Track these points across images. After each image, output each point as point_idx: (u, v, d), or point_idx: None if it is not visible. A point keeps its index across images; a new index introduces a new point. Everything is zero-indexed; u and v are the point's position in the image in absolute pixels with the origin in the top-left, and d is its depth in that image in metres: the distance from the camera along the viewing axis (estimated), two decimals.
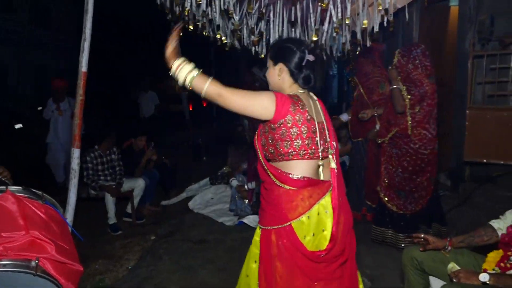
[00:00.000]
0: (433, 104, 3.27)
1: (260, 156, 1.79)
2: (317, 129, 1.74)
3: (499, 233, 1.97)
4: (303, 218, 1.67)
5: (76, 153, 3.10)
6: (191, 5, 3.68)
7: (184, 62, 1.67)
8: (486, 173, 3.95)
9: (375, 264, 3.16)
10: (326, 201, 1.71)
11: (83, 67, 3.04)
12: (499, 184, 3.77)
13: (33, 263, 1.61)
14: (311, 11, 3.82)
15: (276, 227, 1.70)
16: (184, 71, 1.65)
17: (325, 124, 1.82)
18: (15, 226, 1.66)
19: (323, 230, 1.70)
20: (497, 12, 3.96)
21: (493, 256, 1.83)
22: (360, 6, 3.53)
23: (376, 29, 3.65)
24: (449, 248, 2.02)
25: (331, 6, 3.45)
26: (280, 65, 1.81)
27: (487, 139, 3.72)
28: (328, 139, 1.81)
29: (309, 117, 1.72)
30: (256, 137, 1.83)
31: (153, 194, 4.95)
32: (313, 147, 1.73)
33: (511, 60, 3.65)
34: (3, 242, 1.62)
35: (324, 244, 1.69)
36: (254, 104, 1.67)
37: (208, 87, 1.64)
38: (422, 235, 2.08)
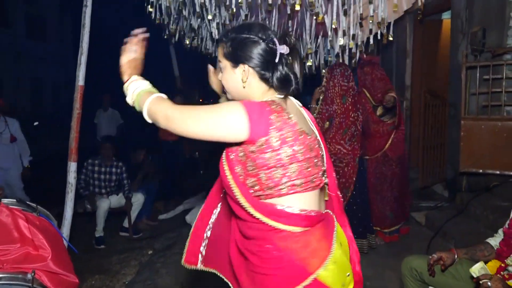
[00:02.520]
0: (347, 123, 3.35)
1: (235, 192, 1.23)
2: (313, 146, 1.27)
3: (496, 249, 2.00)
4: (329, 264, 1.22)
5: (72, 166, 3.09)
6: (186, 19, 3.73)
7: (139, 78, 1.34)
8: (483, 183, 3.96)
9: (375, 276, 3.15)
10: (340, 237, 1.34)
11: (80, 80, 3.05)
12: (495, 194, 3.78)
13: (29, 276, 1.60)
14: (306, 24, 3.87)
15: None
16: (133, 87, 1.32)
17: (318, 138, 1.35)
18: (10, 239, 1.66)
19: (348, 275, 1.31)
20: (488, 24, 4.02)
21: (492, 266, 1.84)
22: (352, 20, 3.59)
23: (371, 41, 3.71)
24: (457, 260, 2.01)
25: (326, 20, 3.51)
26: (243, 67, 1.28)
27: (482, 149, 3.75)
28: (325, 159, 1.35)
29: (300, 130, 1.23)
30: (223, 161, 1.28)
31: (150, 208, 4.92)
32: (314, 173, 1.26)
33: (504, 70, 3.70)
34: None
35: None
36: (216, 128, 1.18)
37: (150, 106, 1.24)
38: (435, 255, 1.99)
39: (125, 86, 1.35)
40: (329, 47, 4.05)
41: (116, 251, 4.03)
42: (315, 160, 1.27)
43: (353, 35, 3.69)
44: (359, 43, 3.90)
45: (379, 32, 3.69)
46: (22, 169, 4.56)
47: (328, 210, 1.39)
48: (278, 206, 1.22)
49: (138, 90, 1.30)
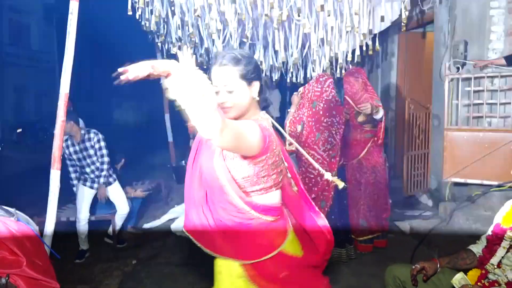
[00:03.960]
0: (318, 128, 3.41)
1: (228, 190, 1.51)
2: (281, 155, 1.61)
3: (478, 256, 2.02)
4: (287, 241, 1.61)
5: (55, 175, 3.04)
6: (174, 27, 3.74)
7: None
8: (466, 193, 4.03)
9: (359, 284, 3.16)
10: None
11: (65, 88, 3.02)
12: (477, 203, 3.85)
13: (3, 280, 1.57)
14: (293, 34, 3.92)
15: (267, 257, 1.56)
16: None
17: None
18: None
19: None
20: (470, 37, 4.13)
21: (473, 275, 1.87)
22: (335, 31, 3.64)
23: (357, 52, 3.77)
24: (439, 269, 2.04)
25: (312, 31, 3.56)
26: (255, 83, 1.53)
27: (464, 159, 3.82)
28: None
29: (278, 145, 1.55)
30: (218, 163, 1.50)
31: (136, 217, 4.86)
32: (281, 176, 1.60)
33: (485, 83, 3.80)
34: None
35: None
36: (244, 146, 1.40)
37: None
38: (418, 266, 2.02)
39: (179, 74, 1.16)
40: (314, 58, 4.10)
41: (99, 260, 3.96)
42: (280, 167, 1.57)
43: (339, 46, 3.75)
44: (344, 53, 3.96)
45: (364, 43, 3.75)
46: None
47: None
48: (259, 202, 1.53)
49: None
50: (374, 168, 3.79)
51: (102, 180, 4.07)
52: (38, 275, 1.66)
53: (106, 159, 4.06)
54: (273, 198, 1.58)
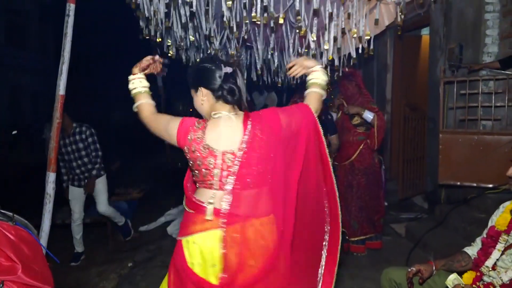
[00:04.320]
0: None
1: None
2: (217, 160, 1.63)
3: (473, 258, 2.03)
4: (189, 238, 1.67)
5: (51, 177, 3.03)
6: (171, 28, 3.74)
7: (144, 77, 1.86)
8: (461, 195, 4.05)
9: (355, 287, 3.17)
10: (219, 236, 1.61)
11: (61, 90, 3.01)
12: (472, 206, 3.87)
13: None
14: (289, 37, 3.93)
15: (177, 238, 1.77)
16: (138, 83, 1.83)
17: (236, 153, 1.63)
18: None
19: (214, 266, 1.63)
20: (465, 41, 4.16)
21: (468, 277, 1.88)
22: (332, 33, 3.65)
23: (354, 55, 3.78)
24: (435, 272, 2.05)
25: (308, 33, 3.57)
26: (201, 90, 1.72)
27: (459, 162, 3.84)
28: (236, 170, 1.63)
29: (205, 147, 1.64)
30: None
31: (131, 219, 4.85)
32: (209, 179, 1.66)
33: (480, 86, 3.82)
34: None
35: (213, 279, 1.64)
36: (162, 130, 1.73)
37: (139, 106, 1.81)
38: (414, 268, 2.02)
39: (132, 76, 1.85)
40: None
41: (95, 263, 3.94)
42: (214, 170, 1.65)
43: (337, 49, 3.77)
44: (340, 56, 3.97)
45: (360, 46, 3.76)
46: None
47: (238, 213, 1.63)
48: (191, 192, 1.76)
49: (136, 90, 1.83)
50: (366, 170, 3.81)
51: (94, 172, 4.01)
52: (35, 281, 1.64)
53: (100, 152, 4.02)
54: (200, 194, 1.70)
